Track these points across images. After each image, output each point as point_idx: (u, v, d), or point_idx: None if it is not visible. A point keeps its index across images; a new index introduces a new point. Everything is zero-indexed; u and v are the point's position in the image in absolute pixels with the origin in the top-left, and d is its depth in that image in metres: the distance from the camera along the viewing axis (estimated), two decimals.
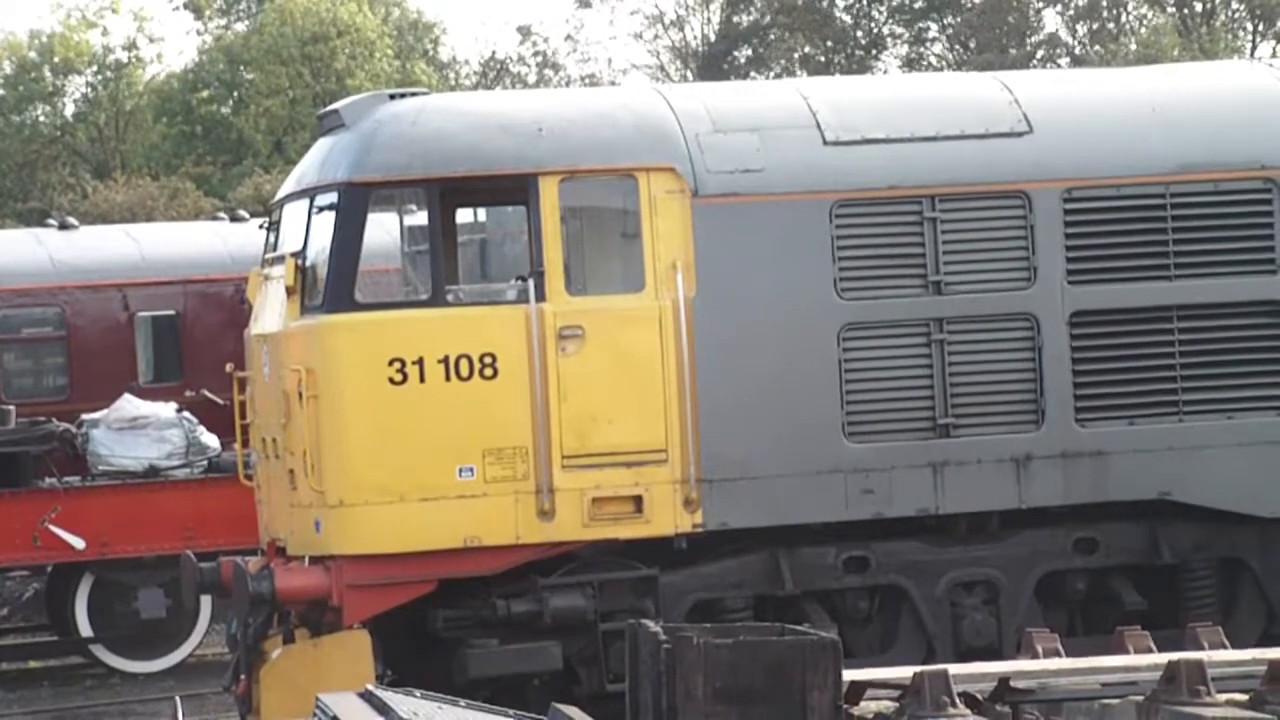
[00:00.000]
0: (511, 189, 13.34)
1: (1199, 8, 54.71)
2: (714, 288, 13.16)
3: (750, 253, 13.24)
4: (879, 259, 13.43)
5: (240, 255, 20.47)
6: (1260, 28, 54.08)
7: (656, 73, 57.35)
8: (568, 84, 56.07)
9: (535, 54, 57.69)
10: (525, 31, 58.08)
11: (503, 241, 17.30)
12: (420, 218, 13.87)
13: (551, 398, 12.92)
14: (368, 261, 13.27)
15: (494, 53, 59.34)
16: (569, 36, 62.99)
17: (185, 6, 52.71)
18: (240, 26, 52.49)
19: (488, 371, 12.89)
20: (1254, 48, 54.13)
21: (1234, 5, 54.92)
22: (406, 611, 13.01)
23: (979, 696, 9.94)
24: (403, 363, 12.82)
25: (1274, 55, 49.35)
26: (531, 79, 56.98)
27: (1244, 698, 9.69)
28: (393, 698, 9.36)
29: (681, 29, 57.84)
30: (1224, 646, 10.90)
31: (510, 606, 12.98)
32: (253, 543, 14.51)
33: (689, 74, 55.89)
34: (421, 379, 12.82)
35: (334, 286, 12.99)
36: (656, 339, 13.08)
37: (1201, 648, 10.80)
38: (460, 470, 12.84)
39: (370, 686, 9.85)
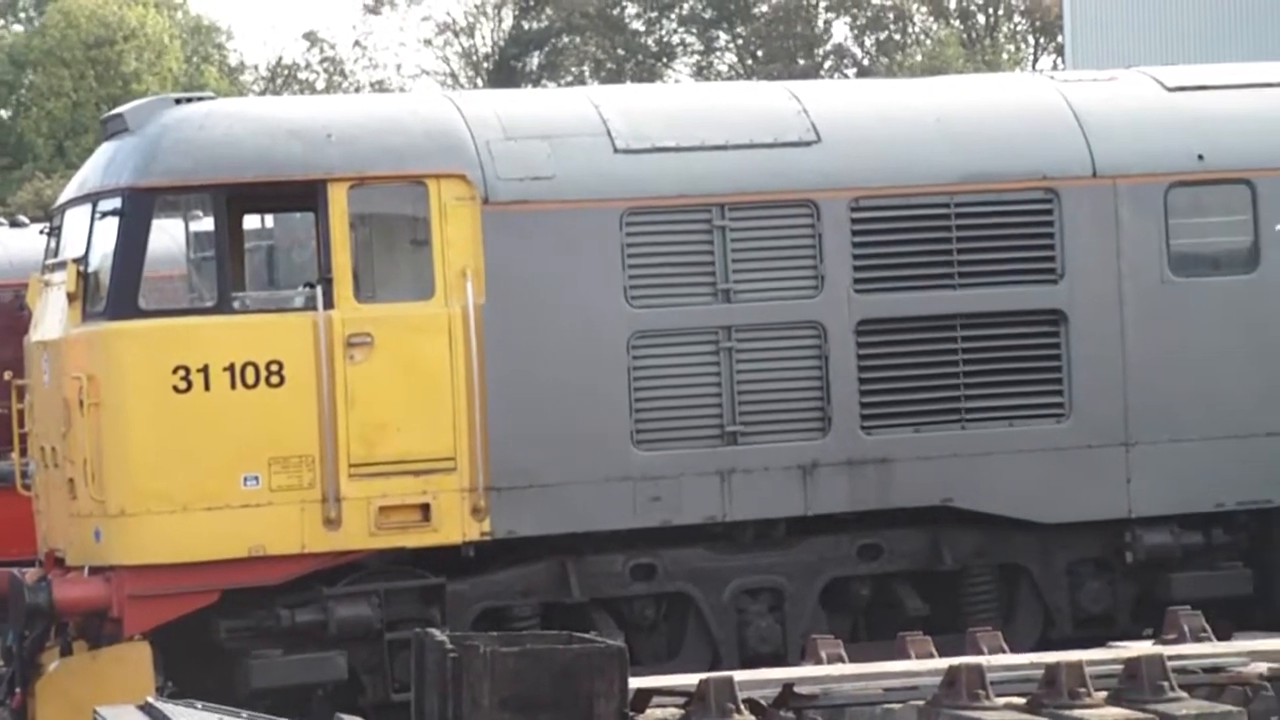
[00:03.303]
0: (300, 195, 13.23)
1: (982, 20, 55.60)
2: (504, 295, 13.14)
3: (540, 260, 13.24)
4: (668, 267, 13.49)
5: (20, 261, 20.07)
6: (1042, 41, 55.09)
7: (447, 79, 57.25)
8: (357, 90, 55.77)
9: (324, 60, 57.33)
10: (313, 38, 57.70)
11: (291, 248, 17.14)
12: (206, 224, 13.72)
13: (339, 405, 12.83)
14: (152, 268, 13.10)
15: (281, 58, 58.89)
16: (358, 43, 62.60)
17: None
18: (19, 28, 51.63)
19: (274, 379, 12.78)
20: (1035, 60, 55.12)
21: (1016, 19, 55.89)
22: (189, 622, 12.85)
23: (763, 703, 10.01)
24: (187, 370, 12.67)
25: (1055, 68, 50.25)
26: (320, 85, 56.63)
27: (1022, 701, 9.85)
28: (173, 709, 9.24)
29: (472, 35, 57.78)
30: (1003, 651, 11.06)
31: (294, 616, 12.88)
32: (31, 553, 14.26)
33: (479, 80, 55.85)
34: (206, 387, 12.68)
35: (117, 293, 12.82)
36: (446, 346, 13.04)
37: (981, 652, 10.95)
38: (245, 479, 12.72)
39: (150, 698, 9.72)
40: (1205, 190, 14.33)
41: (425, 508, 12.98)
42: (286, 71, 56.79)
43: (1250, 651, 10.90)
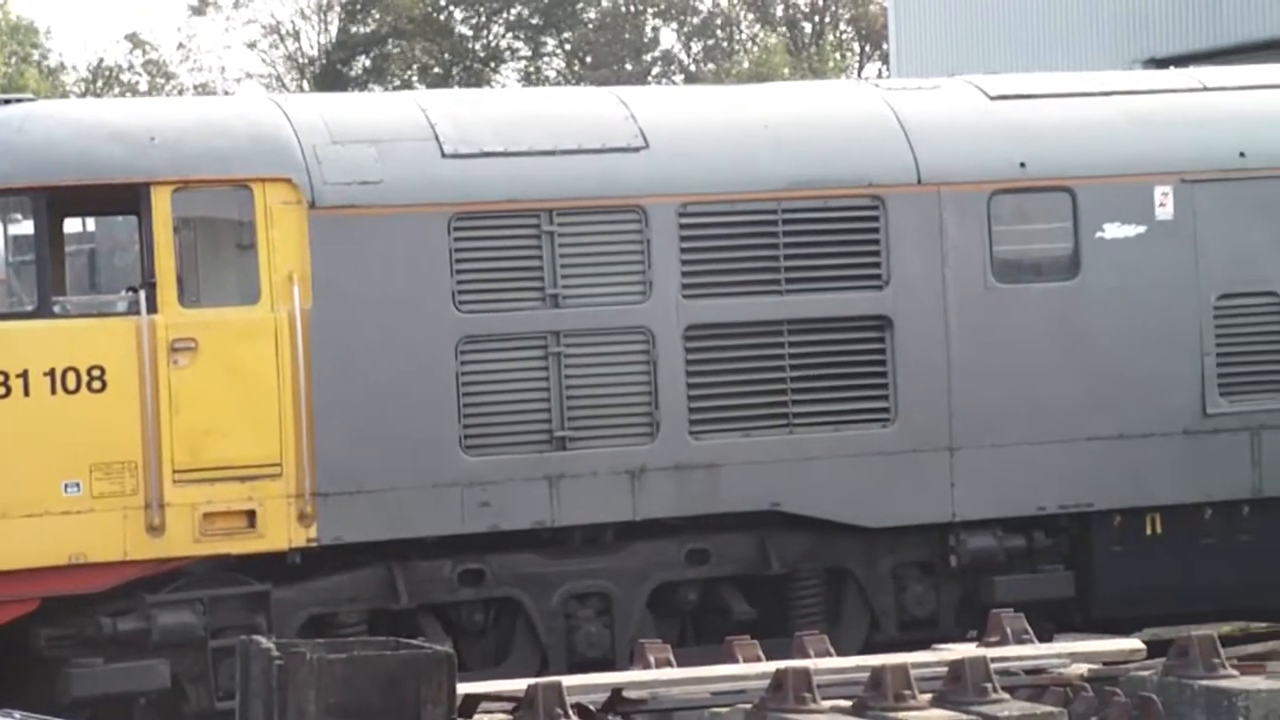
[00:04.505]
0: (123, 198, 13.08)
1: (809, 28, 56.03)
2: (331, 300, 13.06)
3: (368, 265, 13.17)
4: (497, 272, 13.46)
5: None
6: (867, 49, 55.59)
7: (272, 83, 56.81)
8: (181, 93, 55.21)
9: (147, 62, 56.70)
10: (135, 40, 57.04)
11: (113, 252, 16.95)
12: (26, 227, 13.52)
13: (162, 411, 12.69)
14: None
15: (102, 60, 58.17)
16: (181, 45, 61.98)
17: None
18: None
19: (96, 385, 12.62)
20: (861, 67, 55.61)
21: (842, 27, 56.37)
22: (8, 630, 12.65)
23: (592, 707, 10.03)
24: (6, 375, 12.48)
25: (880, 76, 50.73)
26: (143, 87, 56.01)
27: (848, 704, 9.93)
28: None
29: (297, 39, 57.37)
30: (829, 654, 11.14)
31: (116, 624, 12.72)
32: None
33: (305, 84, 55.48)
34: (26, 392, 12.49)
35: None
36: (272, 351, 12.94)
37: (808, 655, 11.02)
38: (66, 486, 12.55)
39: None
40: (1027, 198, 14.51)
41: (251, 514, 12.87)
42: (109, 73, 56.11)
43: (1071, 653, 11.07)
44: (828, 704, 9.81)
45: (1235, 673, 10.16)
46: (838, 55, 55.01)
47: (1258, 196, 14.76)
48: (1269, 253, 14.76)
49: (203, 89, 56.20)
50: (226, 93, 53.76)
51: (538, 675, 11.69)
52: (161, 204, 12.87)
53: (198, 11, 57.72)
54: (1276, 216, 14.79)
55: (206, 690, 12.87)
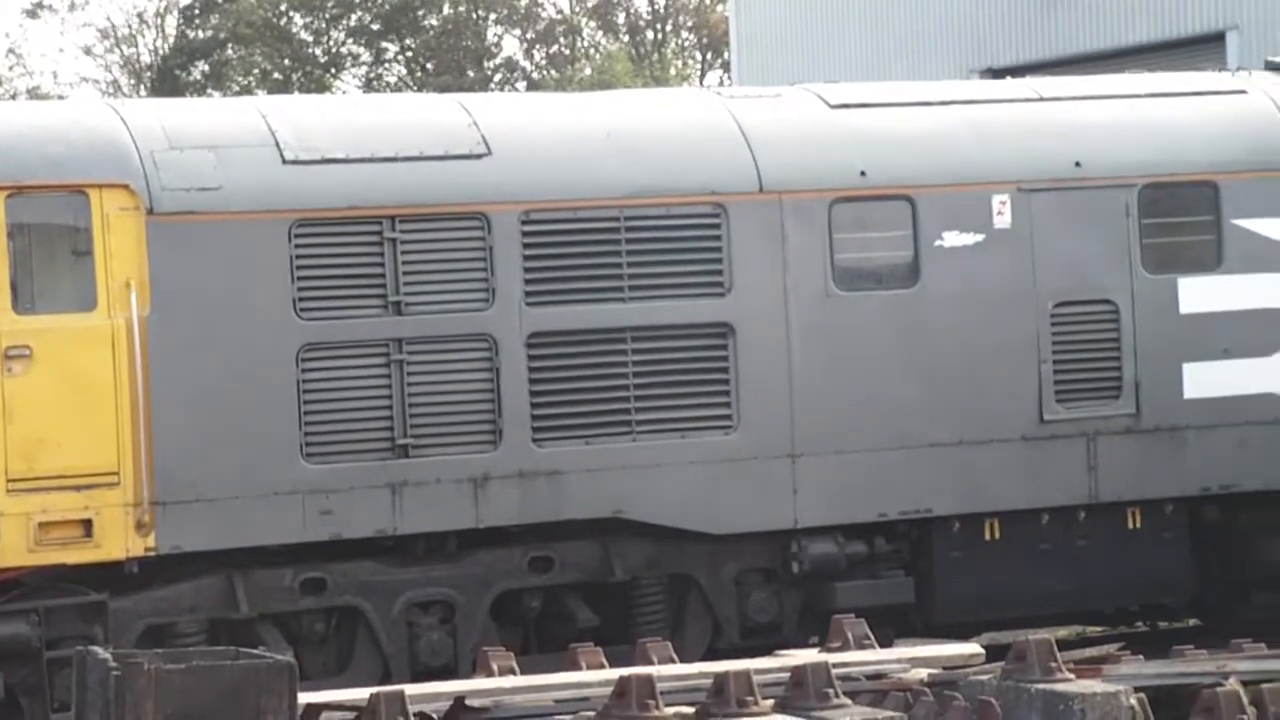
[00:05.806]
0: None
1: (651, 36, 56.20)
2: (169, 307, 12.94)
3: (207, 271, 13.06)
4: (339, 279, 13.39)
5: None
6: (709, 56, 55.82)
7: (108, 88, 56.14)
8: (13, 98, 54.48)
9: None
10: None
11: None
12: None
13: None
14: None
15: None
16: (11, 50, 61.14)
17: None
18: None
19: None
20: (703, 76, 55.83)
21: (684, 35, 56.58)
22: None
23: (435, 716, 9.99)
24: None
25: (722, 84, 50.95)
26: None
27: (691, 710, 9.95)
28: None
29: (135, 44, 56.76)
30: (673, 661, 11.16)
31: None
32: None
33: (142, 90, 54.88)
34: None
35: None
36: (109, 359, 12.80)
37: (651, 662, 11.04)
38: None
39: None
40: (867, 206, 14.62)
41: (87, 523, 12.73)
42: None
43: (911, 658, 11.15)
44: (671, 710, 9.82)
45: (1072, 676, 10.27)
46: (679, 63, 55.22)
47: (1093, 205, 14.97)
48: (1105, 261, 14.98)
49: (35, 93, 55.49)
50: (61, 97, 53.09)
51: (380, 684, 11.63)
52: None
53: (32, 15, 56.99)
54: (1112, 225, 15.01)
55: (42, 702, 12.71)
